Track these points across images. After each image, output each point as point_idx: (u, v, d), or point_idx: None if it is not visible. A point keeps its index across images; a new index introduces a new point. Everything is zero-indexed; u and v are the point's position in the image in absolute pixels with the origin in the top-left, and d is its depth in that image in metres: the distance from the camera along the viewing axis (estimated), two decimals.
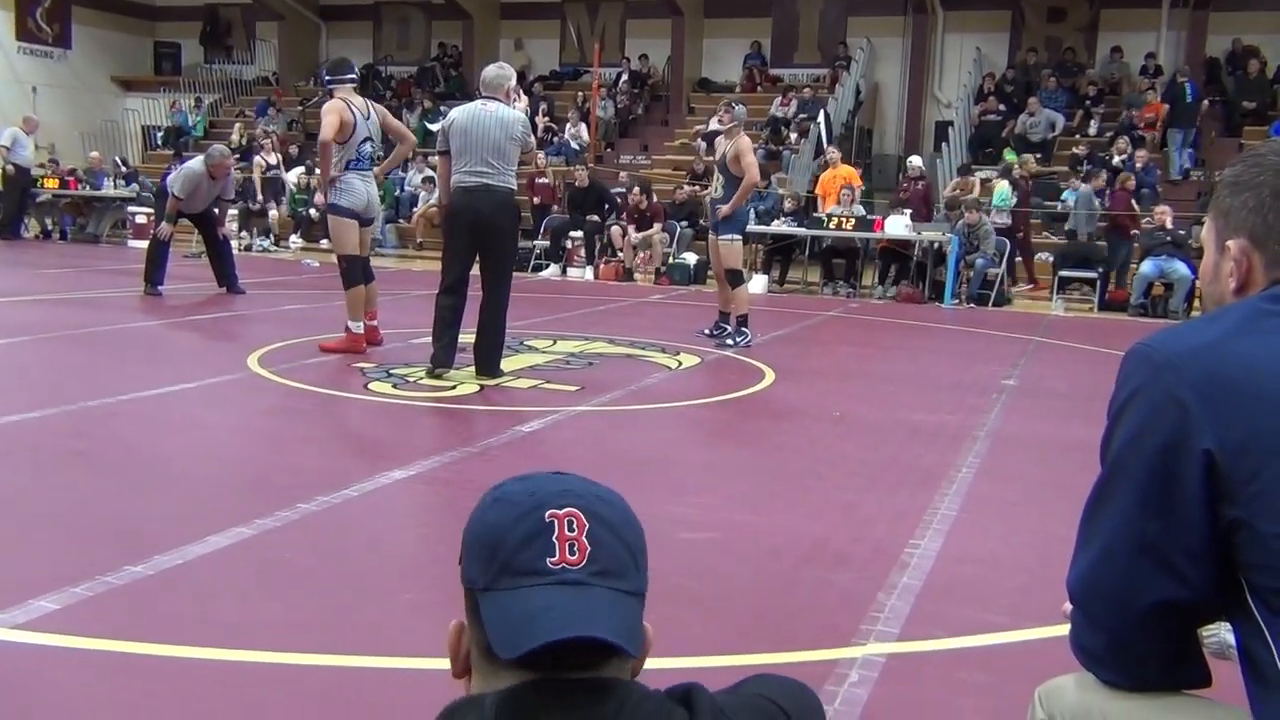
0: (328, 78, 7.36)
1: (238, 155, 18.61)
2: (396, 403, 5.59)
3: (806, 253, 13.65)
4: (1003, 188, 13.88)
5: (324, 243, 14.11)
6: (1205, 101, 16.20)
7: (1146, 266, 11.91)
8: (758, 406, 6.06)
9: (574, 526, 0.96)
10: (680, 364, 7.19)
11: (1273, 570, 1.07)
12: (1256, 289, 1.24)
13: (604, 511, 0.99)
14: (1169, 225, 12.21)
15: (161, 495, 3.86)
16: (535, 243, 14.43)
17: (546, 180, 15.22)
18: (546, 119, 18.97)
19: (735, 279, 8.14)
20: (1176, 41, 17.62)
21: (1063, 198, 14.73)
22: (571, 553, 0.95)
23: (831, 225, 13.02)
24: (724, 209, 8.00)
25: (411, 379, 6.17)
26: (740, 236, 8.27)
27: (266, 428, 5.13)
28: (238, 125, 20.07)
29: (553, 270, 14.17)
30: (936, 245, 12.65)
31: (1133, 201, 13.34)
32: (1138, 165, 14.70)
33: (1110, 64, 18.18)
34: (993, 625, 2.98)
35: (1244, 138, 16.26)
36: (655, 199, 14.44)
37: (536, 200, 15.11)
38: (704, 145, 15.80)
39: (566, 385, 6.15)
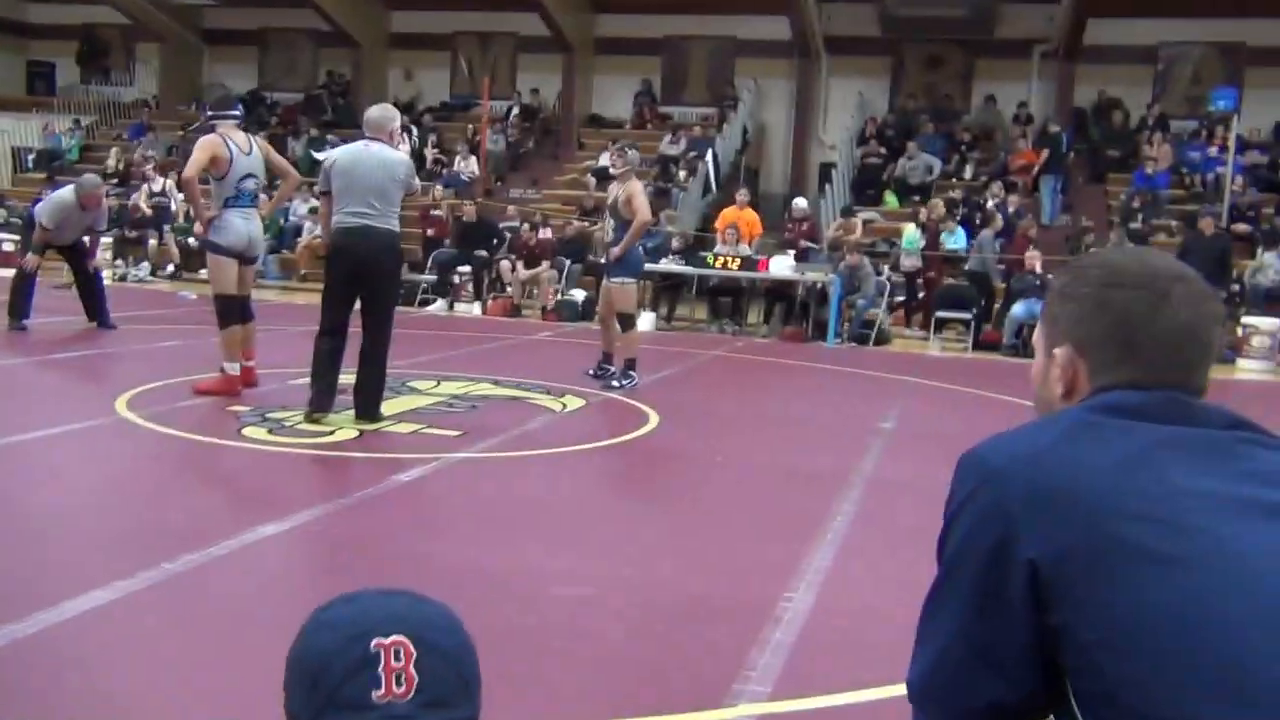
0: (210, 113, 7.19)
1: (115, 181, 18.08)
2: (271, 450, 5.45)
3: (694, 290, 13.79)
4: (911, 232, 14.21)
5: (203, 272, 13.74)
6: (1071, 151, 16.90)
7: (1017, 309, 12.32)
8: (640, 451, 6.05)
9: (401, 656, 0.94)
10: (565, 406, 7.17)
11: (1090, 674, 1.12)
12: (1081, 395, 1.29)
13: (433, 637, 0.97)
14: (1038, 269, 12.66)
15: (11, 556, 3.68)
16: (422, 277, 14.31)
17: (440, 213, 15.09)
18: (436, 150, 18.87)
19: (627, 322, 8.15)
20: (1046, 92, 18.38)
21: (940, 239, 15.01)
22: (399, 684, 0.93)
23: (717, 265, 13.14)
24: (615, 251, 8.03)
25: (288, 423, 6.03)
26: (634, 280, 8.28)
27: (132, 479, 4.95)
28: (114, 150, 19.47)
29: (440, 305, 14.05)
30: (820, 285, 12.93)
31: (1031, 246, 13.76)
32: (1010, 209, 15.30)
33: (984, 111, 18.86)
34: (864, 681, 3.00)
35: (1109, 184, 17.22)
36: (551, 234, 14.46)
37: (429, 232, 14.96)
38: (594, 181, 15.89)
39: (448, 430, 6.08)
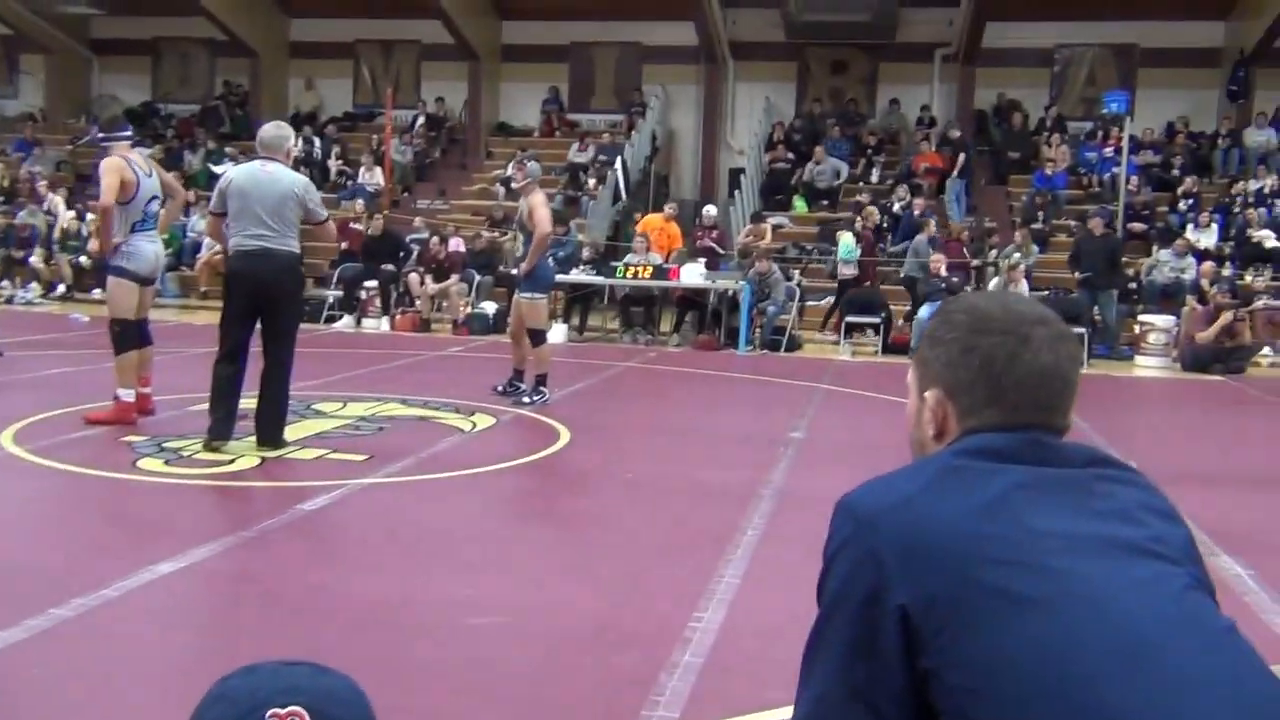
0: (100, 135, 6.97)
1: (0, 199, 17.49)
2: (168, 482, 5.32)
3: (606, 300, 13.76)
4: (847, 240, 14.33)
5: (96, 293, 13.38)
6: (966, 155, 17.15)
7: (924, 312, 12.44)
8: (552, 471, 6.05)
9: None
10: (475, 426, 7.13)
11: (959, 716, 1.16)
12: (951, 436, 1.34)
13: (333, 710, 0.97)
14: (944, 272, 12.94)
15: None
16: (328, 292, 14.10)
17: (360, 226, 14.84)
18: (340, 162, 18.59)
19: (537, 338, 8.13)
20: (948, 94, 18.78)
21: (875, 247, 15.24)
22: None
23: (628, 274, 13.15)
24: (523, 267, 8.02)
25: (186, 453, 5.90)
26: (543, 295, 8.26)
27: (17, 518, 4.78)
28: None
29: (346, 322, 13.87)
30: (730, 292, 13.02)
31: (964, 250, 14.07)
32: (916, 212, 15.51)
33: (889, 115, 19.19)
34: (772, 701, 3.02)
35: (1010, 185, 17.67)
36: (460, 246, 14.36)
37: (345, 245, 14.61)
38: (503, 190, 15.80)
39: (354, 454, 6.00)
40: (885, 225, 15.42)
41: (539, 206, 7.97)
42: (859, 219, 15.08)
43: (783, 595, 3.99)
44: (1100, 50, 18.84)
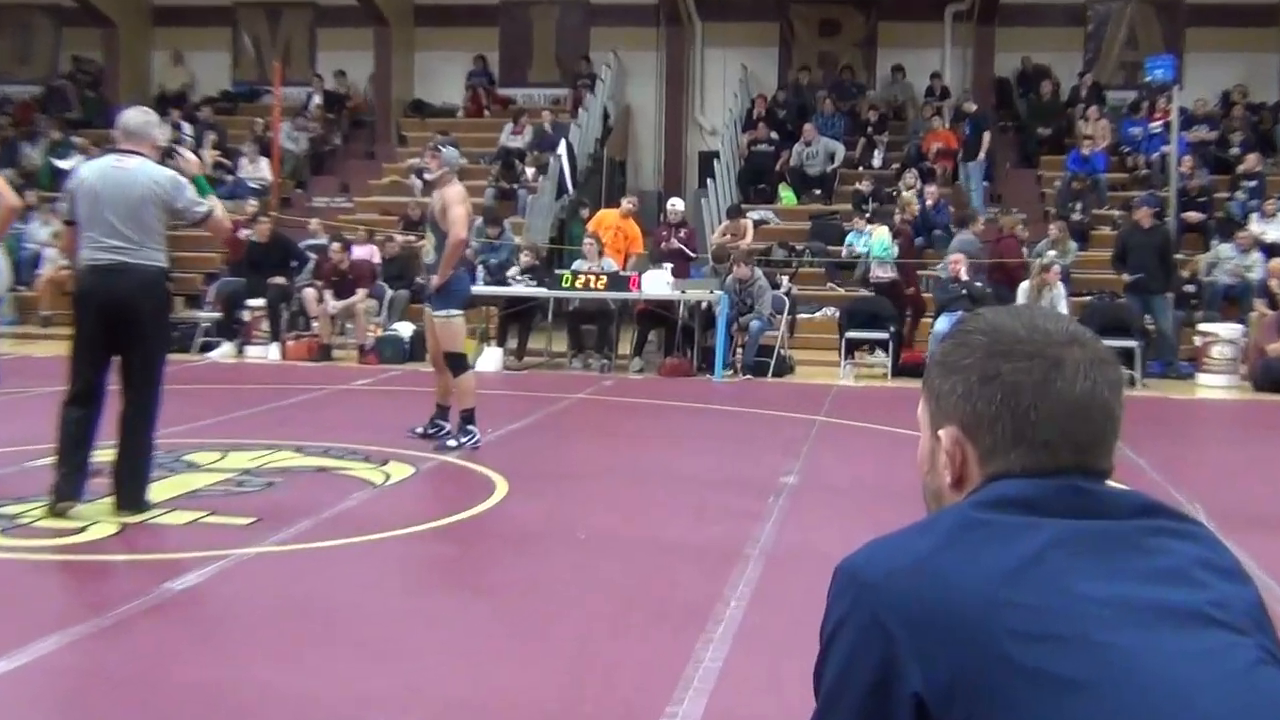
0: None
1: None
2: (2, 557, 5.23)
3: (550, 316, 13.70)
4: (882, 236, 14.29)
5: None
6: (987, 132, 17.34)
7: (941, 324, 12.45)
8: (485, 530, 6.03)
9: None
10: (389, 477, 7.11)
11: None
12: (972, 483, 1.35)
13: None
14: (964, 276, 12.95)
15: None
16: (203, 315, 14.00)
17: (250, 233, 14.43)
18: (217, 153, 18.44)
19: (457, 365, 8.08)
20: (963, 59, 19.04)
21: (848, 242, 15.49)
22: None
23: (577, 285, 13.08)
24: (433, 279, 7.99)
25: (25, 520, 5.79)
26: (460, 312, 8.20)
27: None
28: None
29: (226, 350, 13.74)
30: (704, 305, 12.99)
31: (1022, 248, 14.12)
32: (929, 202, 15.73)
33: (892, 85, 19.41)
34: None
35: (1040, 168, 17.86)
36: (370, 253, 14.23)
37: (230, 255, 14.37)
38: (420, 183, 15.76)
39: (238, 517, 5.95)
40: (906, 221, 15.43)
41: (455, 204, 7.92)
42: (896, 210, 15.00)
43: (774, 679, 3.99)
44: (1140, 6, 19.18)
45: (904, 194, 15.70)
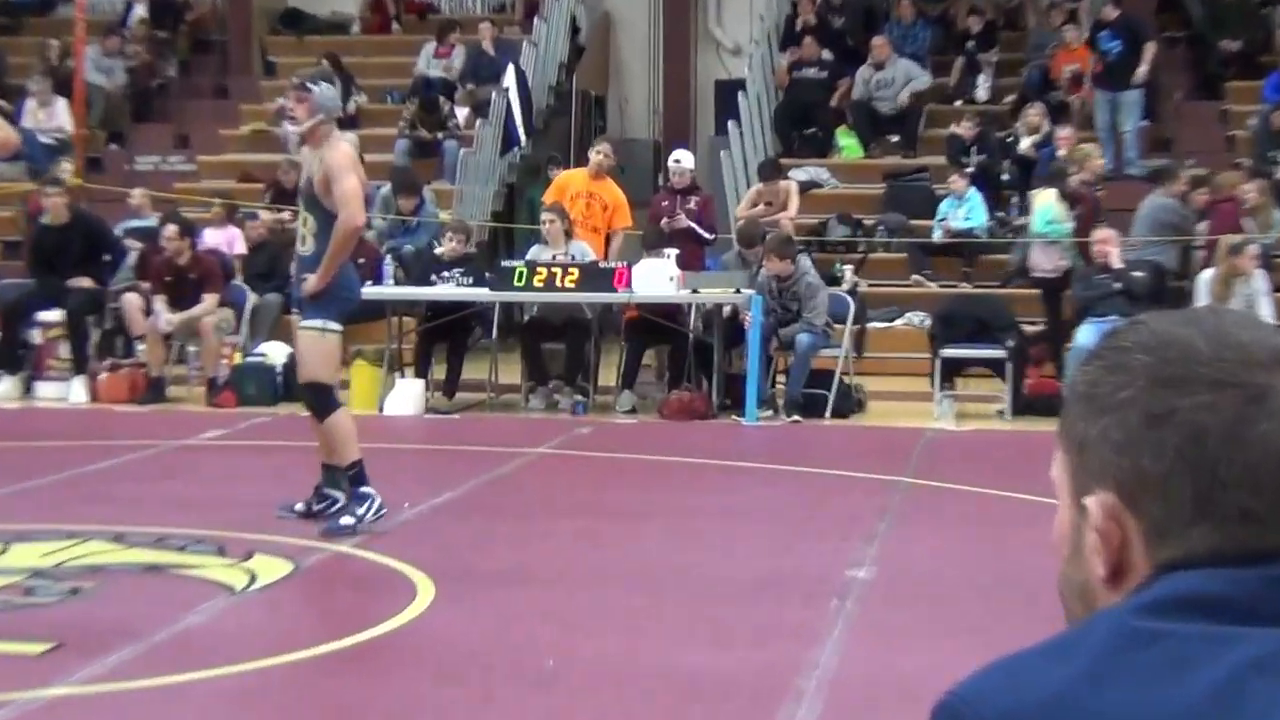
0: None
1: None
2: None
3: (494, 331, 13.22)
4: (1048, 204, 13.92)
5: None
6: (1148, 44, 16.93)
7: (1085, 336, 12.22)
8: (401, 658, 6.07)
9: None
10: (254, 579, 7.05)
11: None
12: (1136, 575, 1.28)
13: None
14: (1115, 264, 12.62)
15: None
16: None
17: (50, 219, 13.98)
18: None
19: (320, 400, 8.00)
20: None
21: (941, 214, 15.20)
22: None
23: (536, 282, 12.65)
24: (311, 280, 7.84)
25: None
26: (339, 325, 8.07)
27: None
28: None
29: (7, 389, 13.41)
30: (728, 312, 12.82)
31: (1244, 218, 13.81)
32: (1060, 151, 15.18)
33: None
34: None
35: (1226, 100, 17.46)
36: (224, 239, 14.16)
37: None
38: (295, 136, 15.02)
39: (25, 643, 5.92)
40: (1006, 178, 15.39)
41: (342, 174, 7.67)
42: (1073, 166, 14.57)
43: None
44: None
45: (1079, 146, 15.10)
